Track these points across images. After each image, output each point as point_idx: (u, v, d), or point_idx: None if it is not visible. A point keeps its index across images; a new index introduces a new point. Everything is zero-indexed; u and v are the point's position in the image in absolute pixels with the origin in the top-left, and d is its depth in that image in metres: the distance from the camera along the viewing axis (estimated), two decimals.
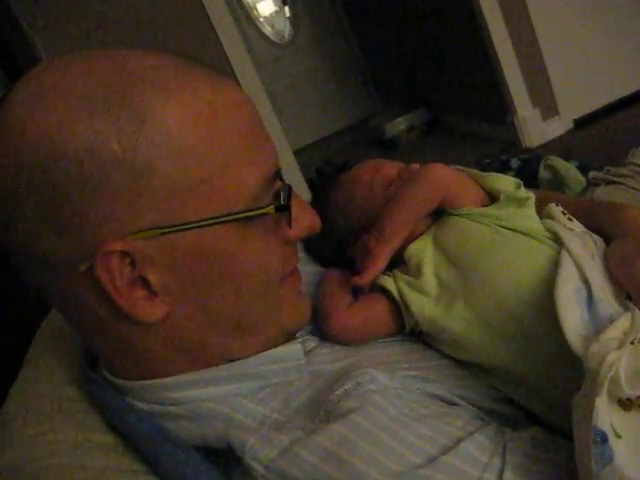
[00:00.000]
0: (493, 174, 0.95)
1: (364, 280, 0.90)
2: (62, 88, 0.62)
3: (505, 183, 0.92)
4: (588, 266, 0.76)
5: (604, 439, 0.58)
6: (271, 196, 0.70)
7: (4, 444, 0.74)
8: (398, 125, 5.18)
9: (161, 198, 0.62)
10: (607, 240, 0.84)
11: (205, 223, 0.65)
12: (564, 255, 0.78)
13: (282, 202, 0.70)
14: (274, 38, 5.94)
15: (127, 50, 0.67)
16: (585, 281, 0.75)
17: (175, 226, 0.63)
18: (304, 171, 3.78)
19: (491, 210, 0.90)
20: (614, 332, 0.67)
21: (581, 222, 0.89)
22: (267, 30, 5.90)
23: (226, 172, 0.66)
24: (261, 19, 5.85)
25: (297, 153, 4.53)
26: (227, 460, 0.68)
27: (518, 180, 0.93)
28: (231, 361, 0.74)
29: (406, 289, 0.89)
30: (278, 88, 5.78)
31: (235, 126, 0.67)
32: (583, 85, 3.95)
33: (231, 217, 0.66)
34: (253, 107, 0.71)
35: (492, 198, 0.93)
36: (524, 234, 0.86)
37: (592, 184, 1.50)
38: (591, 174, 1.51)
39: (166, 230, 0.63)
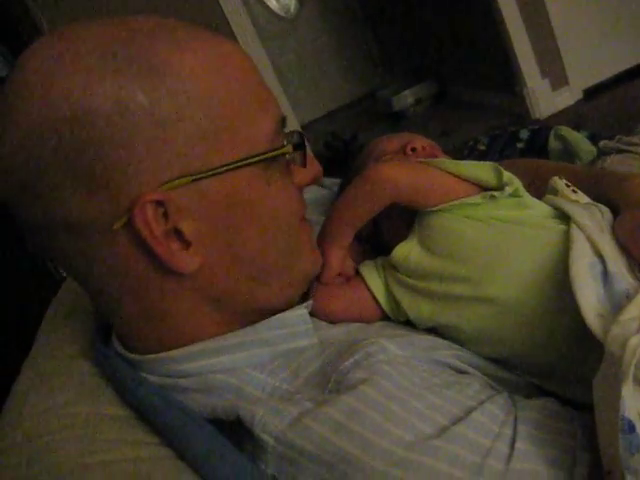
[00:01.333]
0: (466, 162, 0.88)
1: (322, 281, 0.89)
2: (79, 51, 0.63)
3: (481, 171, 0.86)
4: (600, 239, 0.75)
5: (631, 428, 0.58)
6: (282, 140, 0.73)
7: (18, 417, 0.75)
8: (405, 98, 5.15)
9: (189, 145, 0.65)
10: (614, 211, 0.82)
11: (232, 166, 0.67)
12: (574, 231, 0.76)
13: (297, 142, 0.74)
14: (280, 12, 5.90)
15: (131, 16, 0.69)
16: (599, 255, 0.73)
17: (204, 172, 0.65)
18: (312, 145, 3.77)
19: (476, 203, 0.84)
20: (633, 310, 0.65)
21: (587, 193, 0.88)
22: (273, 4, 5.86)
23: (244, 117, 0.68)
24: None
25: (304, 127, 4.53)
26: (238, 432, 0.69)
27: (493, 164, 0.87)
28: (254, 310, 0.76)
29: (397, 288, 0.87)
30: (284, 62, 5.76)
31: (244, 75, 0.71)
32: (593, 55, 3.92)
33: (255, 159, 0.69)
34: (251, 59, 0.74)
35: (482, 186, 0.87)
36: (521, 224, 0.82)
37: (603, 153, 1.49)
38: (602, 143, 1.50)
39: (197, 177, 0.65)
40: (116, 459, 0.67)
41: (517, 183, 0.85)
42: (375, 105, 5.49)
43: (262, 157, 0.69)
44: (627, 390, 0.59)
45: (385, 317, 0.89)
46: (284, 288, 0.77)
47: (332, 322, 0.86)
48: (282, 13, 5.91)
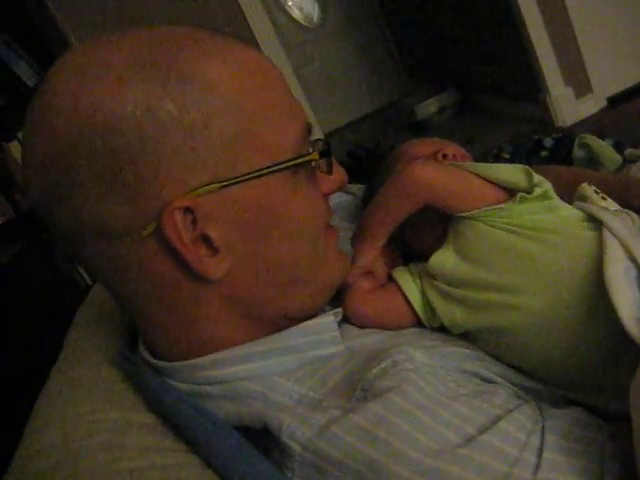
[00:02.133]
0: (497, 165, 0.87)
1: (349, 279, 0.88)
2: (108, 60, 0.65)
3: (511, 173, 0.85)
4: (633, 244, 0.74)
5: None
6: (308, 147, 0.74)
7: (46, 424, 0.76)
8: (429, 106, 5.14)
9: (217, 153, 0.65)
10: None
11: (260, 173, 0.68)
12: (606, 235, 0.76)
13: (323, 149, 0.74)
14: (303, 22, 5.92)
15: (159, 25, 0.71)
16: (633, 259, 0.73)
17: (232, 179, 0.66)
18: (335, 154, 3.76)
19: (508, 209, 0.83)
20: None
21: (615, 201, 0.87)
22: (296, 14, 5.89)
23: (271, 124, 0.69)
24: (290, 3, 5.84)
25: (328, 136, 4.53)
26: (265, 440, 0.69)
27: (525, 167, 0.85)
28: (281, 317, 0.76)
29: (432, 294, 0.87)
30: (308, 72, 5.78)
31: (271, 82, 0.72)
32: (616, 62, 3.89)
33: (283, 165, 0.69)
34: (277, 68, 0.75)
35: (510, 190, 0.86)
36: (554, 232, 0.80)
37: (628, 162, 1.48)
38: (627, 152, 1.49)
39: (225, 183, 0.66)
40: (144, 466, 0.67)
41: (547, 185, 0.84)
42: (398, 114, 5.49)
43: (289, 164, 0.70)
44: None
45: (418, 324, 0.88)
46: (311, 295, 0.78)
47: (365, 327, 0.86)
48: (305, 22, 5.93)
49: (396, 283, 0.91)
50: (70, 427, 0.73)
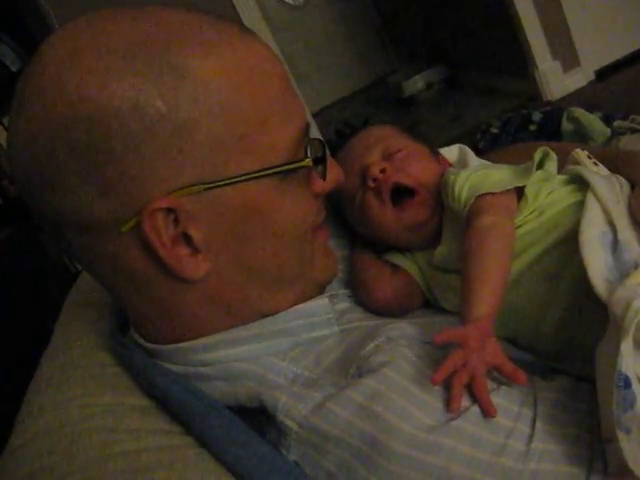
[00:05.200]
0: (511, 176, 0.88)
1: None
2: (100, 46, 0.62)
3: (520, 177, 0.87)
4: (614, 210, 0.76)
5: (627, 384, 0.58)
6: (304, 149, 0.71)
7: (39, 409, 0.75)
8: (416, 83, 5.12)
9: (204, 154, 0.63)
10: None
11: (247, 177, 0.66)
12: (590, 198, 0.78)
13: (318, 155, 0.72)
14: (289, 0, 5.87)
15: (155, 7, 0.67)
16: (611, 225, 0.74)
17: (218, 181, 0.64)
18: (323, 133, 3.76)
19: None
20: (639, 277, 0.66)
21: None
22: None
23: (265, 127, 0.67)
24: None
25: (315, 115, 4.52)
26: (261, 419, 0.69)
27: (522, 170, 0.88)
28: (266, 316, 0.74)
29: (434, 282, 0.91)
30: (294, 50, 5.73)
31: (271, 81, 0.69)
32: (604, 35, 3.87)
33: (272, 170, 0.67)
34: (281, 62, 0.72)
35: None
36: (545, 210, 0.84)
37: (617, 134, 1.48)
38: (616, 123, 1.50)
39: (210, 185, 0.64)
40: (138, 449, 0.67)
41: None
42: (386, 91, 5.47)
43: (280, 169, 0.68)
44: (626, 347, 0.59)
45: (423, 305, 0.92)
46: (296, 296, 0.76)
47: (378, 311, 0.88)
48: (291, 1, 5.88)
49: (400, 268, 0.93)
50: (63, 412, 0.73)
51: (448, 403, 0.64)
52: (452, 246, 0.89)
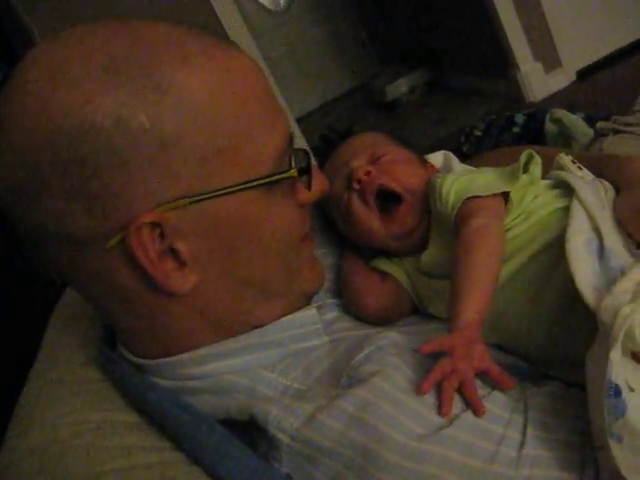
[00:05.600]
0: (494, 181, 0.89)
1: None
2: (82, 61, 0.62)
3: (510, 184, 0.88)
4: (600, 216, 0.76)
5: (617, 392, 0.59)
6: (288, 160, 0.71)
7: (27, 427, 0.75)
8: (399, 86, 5.12)
9: (189, 167, 0.63)
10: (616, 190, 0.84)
11: (232, 190, 0.65)
12: (575, 205, 0.78)
13: (303, 165, 0.72)
14: (270, 6, 5.87)
15: (136, 20, 0.67)
16: (597, 231, 0.75)
17: (203, 194, 0.64)
18: (308, 138, 3.76)
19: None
20: (626, 284, 0.66)
21: None
22: None
23: (249, 138, 0.66)
24: None
25: (299, 120, 4.51)
26: (252, 432, 0.69)
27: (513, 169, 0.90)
28: (255, 327, 0.74)
29: (420, 287, 0.92)
30: (276, 56, 5.73)
31: (253, 92, 0.68)
32: (584, 35, 3.89)
33: (257, 182, 0.67)
34: (263, 73, 0.72)
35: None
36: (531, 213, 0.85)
37: (600, 135, 1.49)
38: (599, 125, 1.50)
39: (195, 199, 0.64)
40: (128, 466, 0.67)
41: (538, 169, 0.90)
42: (370, 95, 5.47)
43: (264, 181, 0.68)
44: (615, 355, 0.59)
45: (413, 312, 0.93)
46: (284, 307, 0.76)
47: (369, 319, 0.88)
48: (272, 7, 5.88)
49: (389, 274, 0.94)
50: (52, 430, 0.73)
51: (439, 408, 0.65)
52: (439, 251, 0.89)
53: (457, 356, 0.66)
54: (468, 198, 0.84)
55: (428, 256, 0.90)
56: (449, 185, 0.87)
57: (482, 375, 0.69)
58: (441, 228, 0.89)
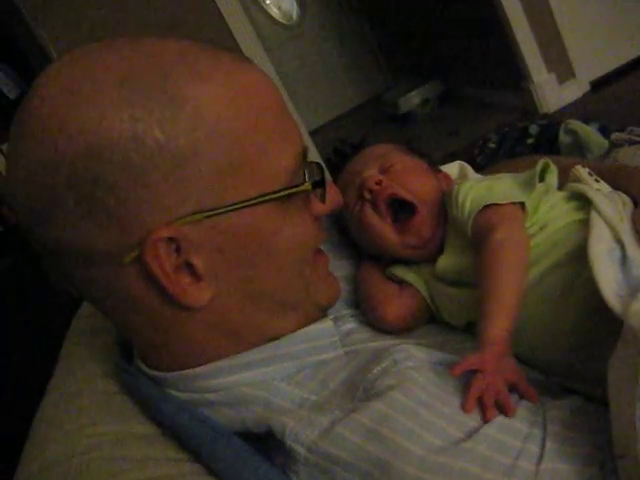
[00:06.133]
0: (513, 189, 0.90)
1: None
2: (96, 79, 0.62)
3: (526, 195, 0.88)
4: (620, 226, 0.76)
5: None
6: (302, 174, 0.71)
7: (46, 440, 0.75)
8: (412, 99, 5.13)
9: (204, 182, 0.63)
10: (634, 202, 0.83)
11: (247, 204, 0.66)
12: (594, 216, 0.78)
13: (317, 178, 0.72)
14: (282, 20, 5.90)
15: (149, 37, 0.67)
16: (619, 241, 0.74)
17: (218, 209, 0.64)
18: (321, 151, 3.77)
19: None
20: None
21: None
22: (274, 12, 5.87)
23: (263, 152, 0.67)
24: (267, 1, 5.82)
25: (312, 134, 4.52)
26: (268, 444, 0.69)
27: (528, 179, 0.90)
28: (271, 340, 0.74)
29: (436, 293, 0.91)
30: (289, 70, 5.76)
31: (267, 106, 0.69)
32: (598, 46, 3.88)
33: (272, 196, 0.67)
34: (277, 87, 0.72)
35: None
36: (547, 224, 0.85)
37: (615, 146, 1.48)
38: (614, 136, 1.50)
39: (210, 213, 0.64)
40: (147, 478, 0.67)
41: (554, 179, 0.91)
42: (382, 108, 5.48)
43: (280, 194, 0.68)
44: None
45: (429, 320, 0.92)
46: (300, 320, 0.76)
47: (401, 329, 0.88)
48: (284, 21, 5.91)
49: (406, 284, 0.94)
50: (70, 442, 0.73)
51: (482, 414, 0.66)
52: (454, 258, 0.89)
53: (489, 372, 0.67)
54: (486, 206, 0.84)
55: (443, 261, 0.90)
56: (466, 191, 0.87)
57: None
58: (457, 234, 0.89)
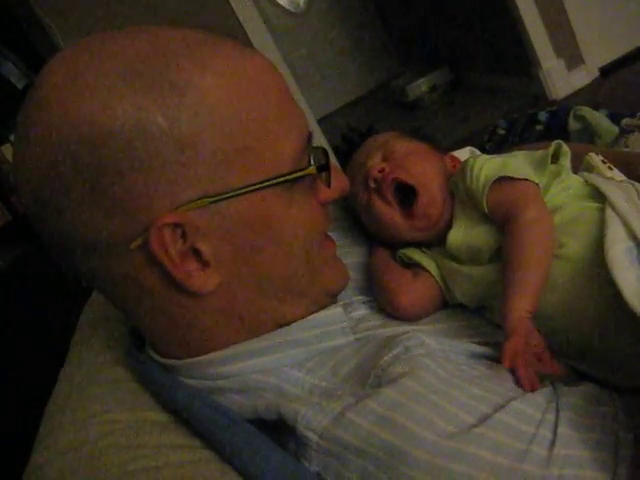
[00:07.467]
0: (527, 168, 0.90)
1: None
2: (100, 67, 0.63)
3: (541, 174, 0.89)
4: (635, 223, 0.75)
5: None
6: (307, 158, 0.71)
7: (58, 427, 0.76)
8: (420, 86, 5.12)
9: (208, 167, 0.64)
10: None
11: (252, 188, 0.66)
12: (609, 213, 0.78)
13: (321, 162, 0.72)
14: (290, 7, 5.89)
15: (153, 27, 0.68)
16: (634, 239, 0.74)
17: (223, 194, 0.64)
18: (329, 139, 3.76)
19: None
20: None
21: None
22: (282, 0, 5.85)
23: (267, 137, 0.67)
24: None
25: (320, 121, 4.51)
26: (280, 431, 0.69)
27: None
28: (281, 326, 0.74)
29: (447, 273, 0.91)
30: (297, 57, 5.75)
31: (270, 92, 0.69)
32: (607, 32, 3.86)
33: (276, 180, 0.67)
34: (280, 73, 0.72)
35: None
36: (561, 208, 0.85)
37: (625, 132, 1.47)
38: (624, 122, 1.49)
39: (216, 198, 0.64)
40: (159, 464, 0.67)
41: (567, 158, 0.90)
42: (390, 95, 5.47)
43: (285, 178, 0.68)
44: None
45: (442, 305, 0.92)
46: (309, 306, 0.76)
47: (416, 317, 0.88)
48: (292, 8, 5.90)
49: (420, 271, 0.93)
50: (83, 429, 0.73)
51: (521, 384, 0.69)
52: (464, 230, 0.89)
53: (520, 350, 0.71)
54: (501, 178, 0.85)
55: (453, 235, 0.90)
56: (481, 164, 0.88)
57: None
58: (466, 207, 0.90)
